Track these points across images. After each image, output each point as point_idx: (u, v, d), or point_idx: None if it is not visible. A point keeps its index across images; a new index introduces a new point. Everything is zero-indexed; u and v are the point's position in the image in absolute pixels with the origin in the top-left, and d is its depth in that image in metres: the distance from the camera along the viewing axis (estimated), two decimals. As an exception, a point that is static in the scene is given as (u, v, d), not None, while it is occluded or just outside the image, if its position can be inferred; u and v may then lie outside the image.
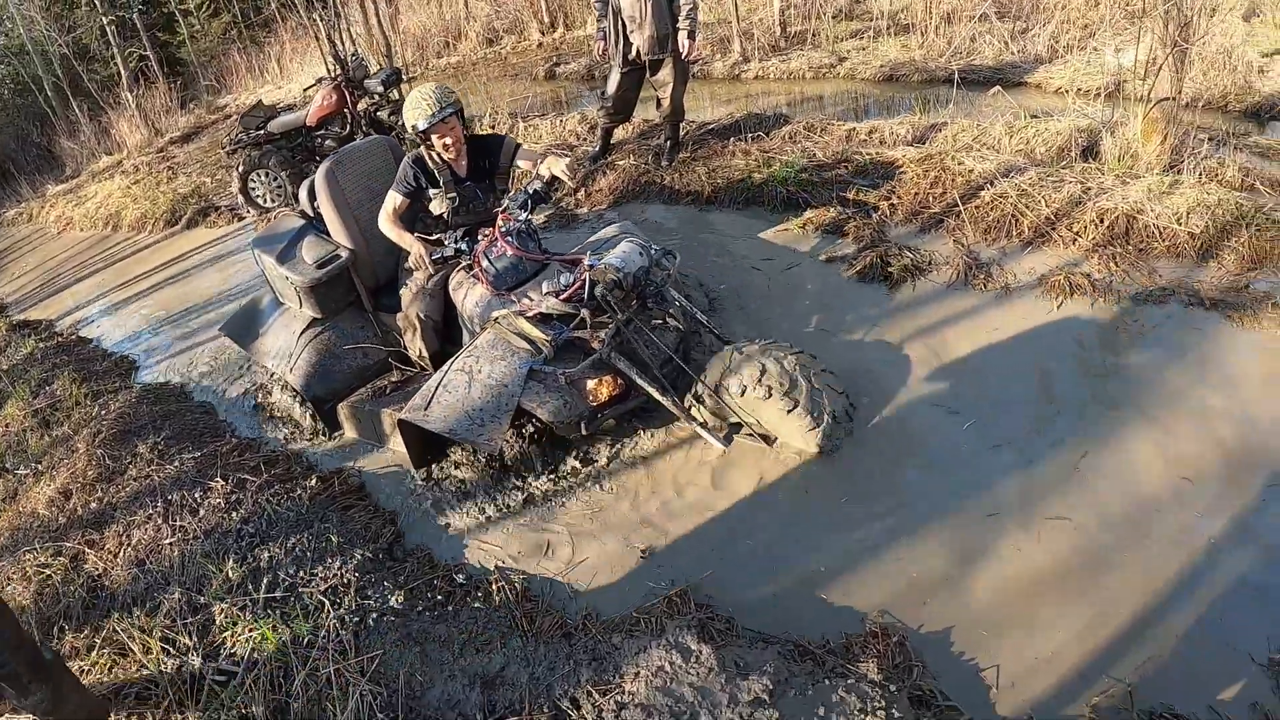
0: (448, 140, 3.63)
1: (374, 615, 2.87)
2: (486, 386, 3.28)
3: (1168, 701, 2.16)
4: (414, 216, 3.88)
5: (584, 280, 3.37)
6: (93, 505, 3.95)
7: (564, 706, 2.41)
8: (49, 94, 15.78)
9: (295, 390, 4.20)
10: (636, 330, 3.35)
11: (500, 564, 3.13)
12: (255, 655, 2.80)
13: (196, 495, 3.71)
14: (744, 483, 3.20)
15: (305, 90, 8.41)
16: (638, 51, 5.46)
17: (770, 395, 3.06)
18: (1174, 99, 4.51)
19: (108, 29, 14.29)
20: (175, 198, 8.77)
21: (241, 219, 7.88)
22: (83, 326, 6.97)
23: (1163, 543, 2.61)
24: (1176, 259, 3.87)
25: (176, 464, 4.04)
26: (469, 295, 3.67)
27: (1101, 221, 4.12)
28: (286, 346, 4.20)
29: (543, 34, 12.13)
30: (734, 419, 3.29)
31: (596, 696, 2.41)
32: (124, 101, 12.94)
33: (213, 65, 16.43)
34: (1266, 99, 5.62)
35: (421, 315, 3.81)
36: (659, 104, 5.83)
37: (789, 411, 3.07)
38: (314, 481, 3.72)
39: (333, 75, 7.40)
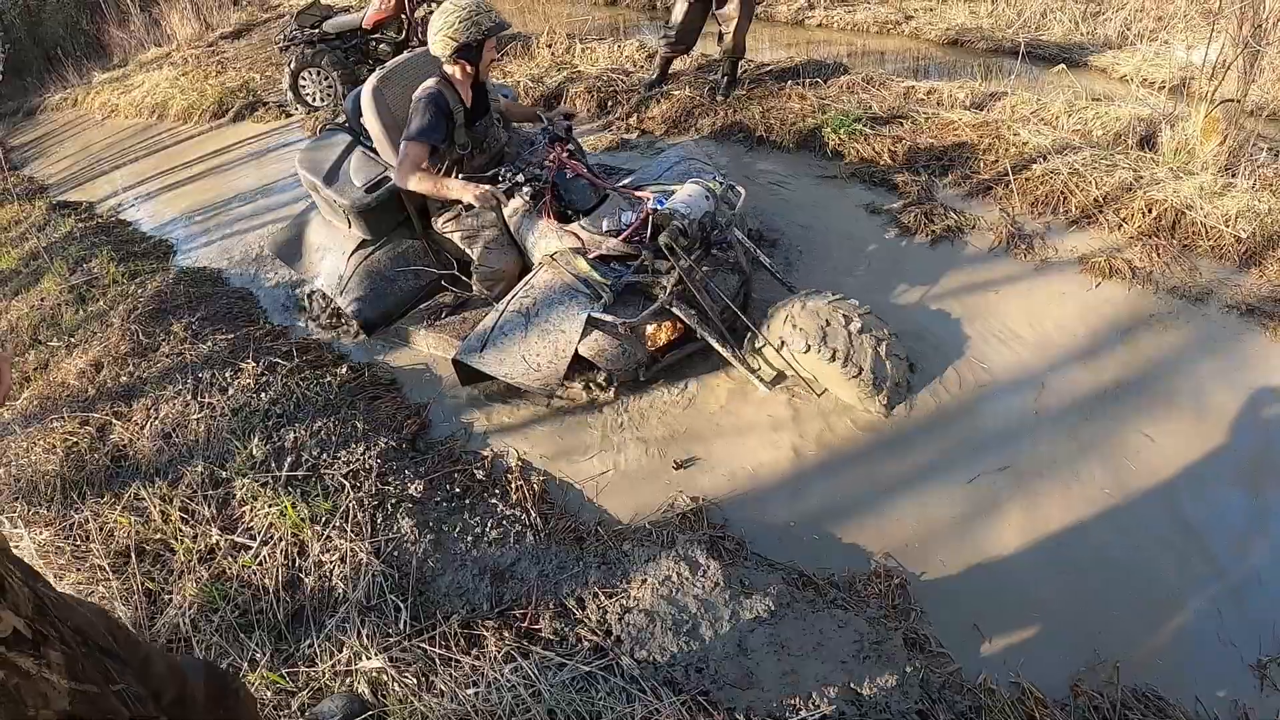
0: (494, 54, 3.46)
1: (392, 501, 2.94)
2: (544, 331, 3.21)
3: (1153, 685, 2.20)
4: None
5: (646, 221, 3.28)
6: (123, 379, 4.04)
7: (569, 604, 2.49)
8: (101, -19, 15.67)
9: (346, 314, 4.09)
10: (699, 278, 3.25)
11: (522, 463, 3.18)
12: (272, 530, 2.88)
13: (226, 375, 3.78)
14: (778, 420, 3.23)
15: (364, -9, 8.35)
16: None
17: (834, 358, 3.01)
18: (1238, 102, 4.42)
19: (163, -82, 14.12)
20: (223, 91, 8.75)
21: (289, 115, 7.87)
22: (123, 210, 7.02)
23: (1170, 533, 2.63)
24: (1219, 260, 3.83)
25: (209, 344, 4.11)
26: (527, 229, 3.56)
27: (1149, 211, 4.07)
28: (336, 268, 4.12)
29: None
30: (790, 371, 3.25)
31: (602, 598, 2.48)
32: (177, -7, 12.87)
33: (269, -37, 16.25)
34: (1334, 118, 5.50)
35: (506, 269, 3.65)
36: (721, 39, 5.75)
37: (853, 376, 3.03)
38: (344, 370, 3.78)
39: (392, -21, 7.34)
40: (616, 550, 2.65)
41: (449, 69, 3.47)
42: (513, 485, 2.99)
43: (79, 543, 3.09)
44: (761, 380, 3.23)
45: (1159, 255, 3.85)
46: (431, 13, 7.26)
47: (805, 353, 3.06)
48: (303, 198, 4.95)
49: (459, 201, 3.53)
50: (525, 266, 3.69)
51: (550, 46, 7.61)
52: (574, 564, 2.63)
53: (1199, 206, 4.01)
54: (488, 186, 3.38)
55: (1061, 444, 2.98)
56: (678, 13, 5.70)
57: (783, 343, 3.13)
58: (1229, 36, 4.39)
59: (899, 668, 2.24)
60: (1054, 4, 7.46)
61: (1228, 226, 3.90)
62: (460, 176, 3.57)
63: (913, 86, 5.89)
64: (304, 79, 7.58)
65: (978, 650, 2.35)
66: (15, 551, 2.64)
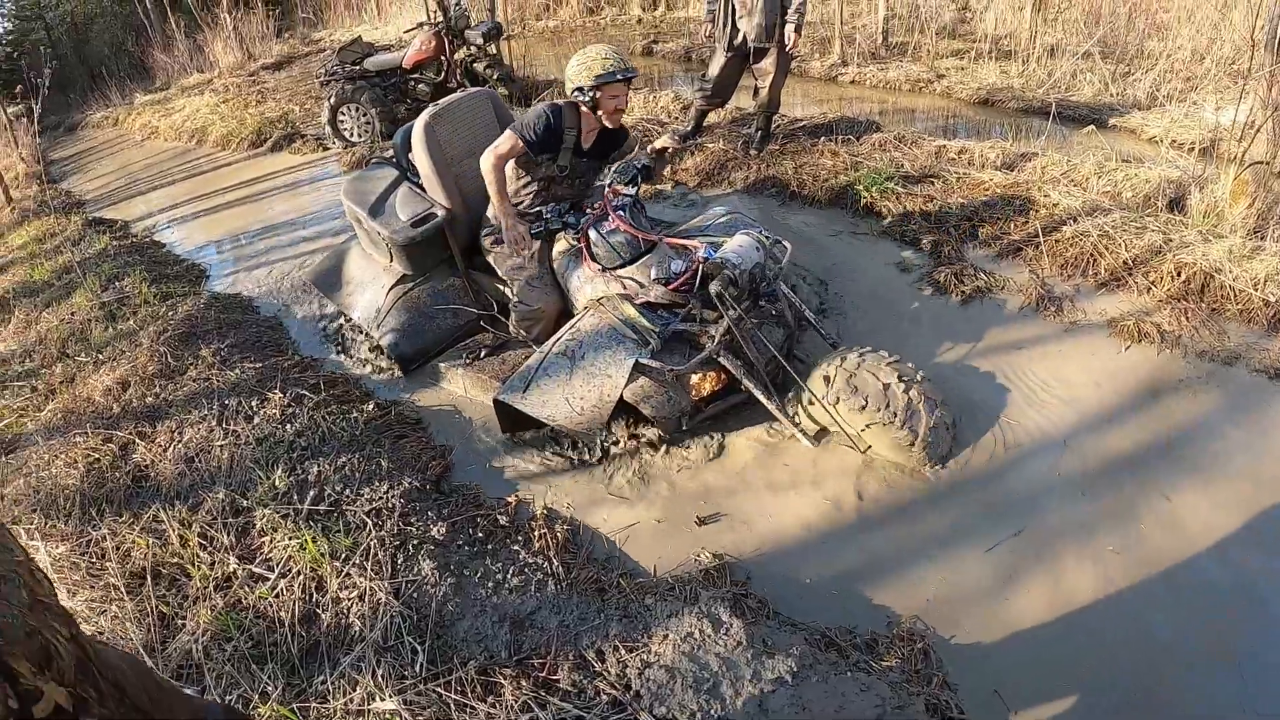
0: (619, 103, 3.49)
1: (414, 542, 2.93)
2: (589, 375, 3.19)
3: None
4: (516, 166, 3.71)
5: (696, 271, 3.26)
6: (149, 399, 4.06)
7: (589, 656, 2.46)
8: (148, 6, 16.07)
9: (383, 349, 4.11)
10: (747, 329, 3.24)
11: (546, 511, 3.16)
12: (291, 563, 2.88)
13: (253, 404, 3.80)
14: (803, 477, 3.21)
15: (405, 32, 8.55)
16: (744, 38, 5.49)
17: (884, 416, 3.01)
18: (1268, 164, 4.42)
19: (213, -51, 14.52)
20: (262, 121, 8.92)
21: (326, 149, 8.01)
22: (157, 231, 7.13)
23: (1200, 601, 2.58)
24: (1248, 324, 3.81)
25: (237, 371, 4.14)
26: (571, 271, 3.58)
27: (1178, 274, 4.06)
28: (375, 301, 4.14)
29: (644, 10, 12.22)
30: (834, 428, 3.20)
31: (623, 652, 2.45)
32: (221, 22, 13.16)
33: (312, -2, 16.64)
34: (1363, 181, 5.48)
35: (547, 310, 3.68)
36: (756, 93, 5.83)
37: (904, 438, 3.03)
38: (371, 407, 3.78)
39: (434, 21, 7.50)
40: (639, 603, 2.62)
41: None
42: (536, 533, 2.98)
43: (95, 560, 3.09)
44: (805, 435, 3.20)
45: (1188, 319, 3.82)
46: (471, 57, 7.50)
47: (860, 410, 3.05)
48: (337, 231, 5.04)
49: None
50: (565, 309, 3.71)
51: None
52: (595, 615, 2.60)
53: (1228, 270, 3.99)
54: (523, 230, 3.50)
55: (1090, 509, 2.94)
56: (714, 66, 5.79)
57: (837, 399, 3.10)
58: (1258, 98, 4.40)
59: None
60: (1084, 65, 7.51)
61: (1257, 290, 3.88)
62: (538, 196, 3.71)
63: (944, 145, 5.93)
64: (343, 114, 7.73)
65: (1002, 719, 2.30)
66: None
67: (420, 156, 3.90)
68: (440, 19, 7.43)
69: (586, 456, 3.43)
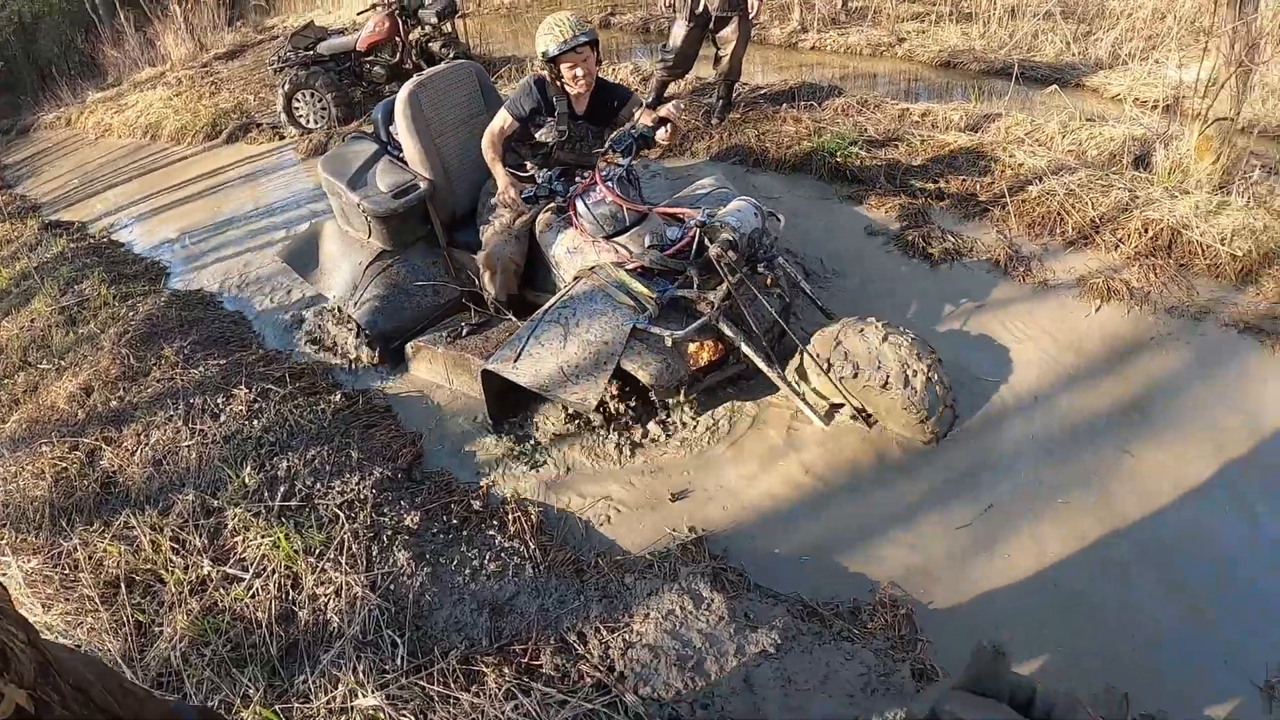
0: (578, 72, 3.49)
1: (388, 533, 2.89)
2: (585, 342, 3.07)
3: (1165, 711, 2.15)
4: (515, 142, 3.74)
5: (693, 236, 3.18)
6: (113, 403, 3.98)
7: (570, 639, 2.44)
8: (96, 1, 15.67)
9: (358, 325, 3.99)
10: (746, 295, 3.16)
11: (519, 494, 3.13)
12: (265, 562, 2.83)
13: (219, 401, 3.73)
14: (775, 449, 3.20)
15: (358, 15, 8.38)
16: (705, 6, 5.40)
17: (887, 384, 2.90)
18: (1232, 120, 4.44)
19: (160, -62, 14.15)
20: (216, 112, 8.73)
21: (282, 137, 7.84)
22: (115, 230, 6.96)
23: (1171, 553, 2.61)
24: (1216, 279, 3.83)
25: (201, 369, 4.06)
26: (559, 239, 3.48)
27: (1146, 231, 4.07)
28: (351, 278, 4.03)
29: (599, -19, 12.03)
30: (836, 397, 3.12)
31: (604, 633, 2.43)
32: (171, 14, 12.82)
33: (264, -16, 16.30)
34: (1328, 135, 5.53)
35: (505, 257, 3.60)
36: (718, 61, 5.76)
37: (905, 402, 2.91)
38: (338, 397, 3.71)
39: (387, 2, 7.36)
40: (618, 583, 2.60)
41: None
42: (510, 516, 2.94)
43: (68, 571, 3.03)
44: (816, 412, 3.12)
45: (1156, 275, 3.84)
46: (426, 37, 7.37)
47: (855, 378, 2.96)
48: (295, 222, 4.93)
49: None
50: (531, 270, 3.67)
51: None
52: (575, 597, 2.58)
53: (1195, 225, 4.01)
54: (516, 190, 3.51)
55: (1063, 469, 2.96)
56: (676, 36, 5.70)
57: (855, 371, 2.97)
58: (1221, 54, 4.40)
59: (907, 700, 2.19)
60: (1045, 25, 7.51)
61: (1224, 245, 3.90)
62: (536, 167, 3.69)
63: (907, 109, 5.91)
64: (298, 101, 7.58)
65: (985, 682, 2.31)
66: (4, 578, 2.59)
67: (403, 127, 3.81)
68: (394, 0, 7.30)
69: (555, 431, 3.38)
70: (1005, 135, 5.28)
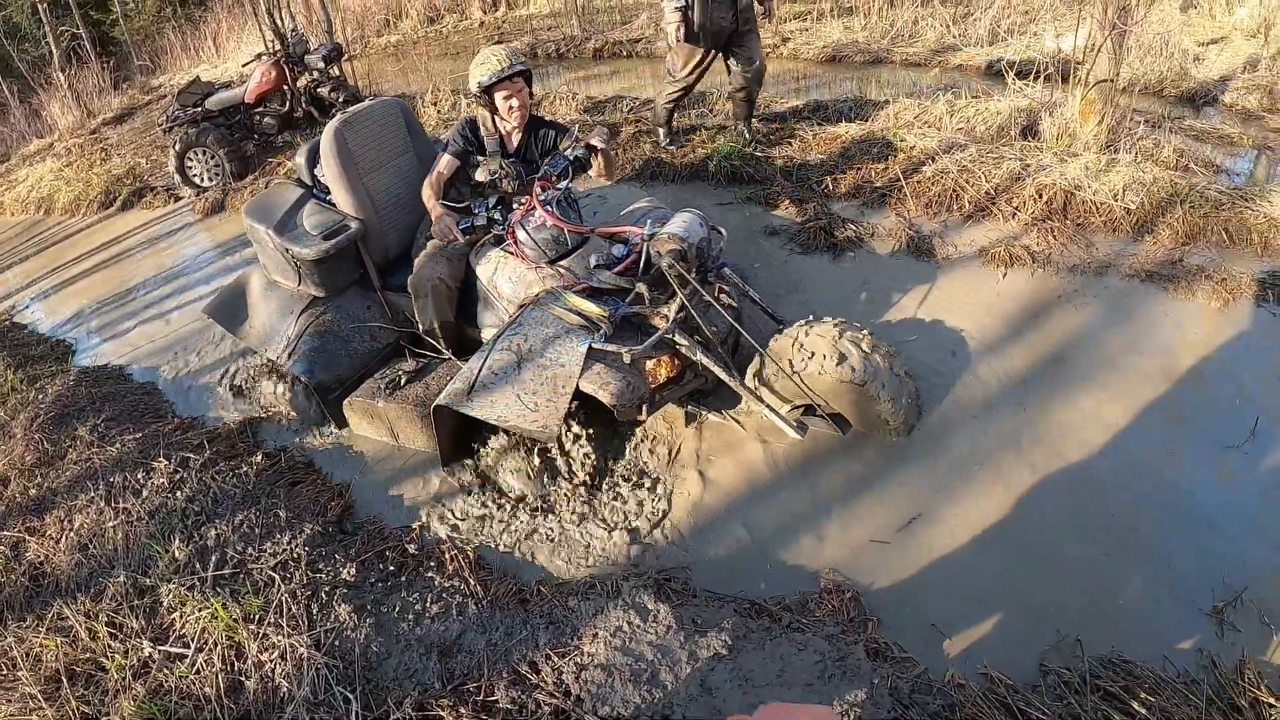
0: (513, 102, 3.45)
1: (326, 589, 2.83)
2: (540, 366, 2.95)
3: (1118, 650, 2.24)
4: (456, 181, 3.68)
5: (641, 250, 3.14)
6: (32, 492, 3.82)
7: (523, 670, 2.42)
8: (-26, 75, 15.13)
9: (294, 377, 3.81)
10: (700, 305, 3.10)
11: (453, 532, 3.10)
12: (205, 635, 2.75)
13: (139, 476, 3.61)
14: (699, 451, 3.23)
15: (244, 66, 8.22)
16: (720, 28, 5.00)
17: (854, 378, 2.89)
18: (1111, 82, 4.63)
19: (39, 6, 13.66)
20: (109, 179, 8.47)
21: (178, 199, 7.64)
22: (16, 313, 6.69)
23: (1105, 497, 2.71)
24: (1113, 234, 3.99)
25: (117, 445, 3.92)
26: (500, 271, 3.38)
27: (1040, 197, 4.23)
28: (282, 329, 3.84)
29: (484, 12, 12.09)
30: (801, 399, 3.07)
31: (555, 659, 2.42)
32: (55, 82, 12.45)
33: (147, 44, 15.87)
34: (1201, 85, 5.86)
35: (434, 277, 3.44)
36: (736, 71, 5.28)
37: (873, 397, 2.92)
38: (260, 458, 3.63)
39: (272, 51, 7.27)
40: (563, 607, 2.59)
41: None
42: (447, 555, 2.91)
43: (5, 671, 2.89)
44: (788, 422, 3.01)
45: (1055, 237, 3.99)
46: (314, 82, 7.26)
47: (820, 375, 2.94)
48: (205, 281, 4.80)
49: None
50: (461, 290, 3.56)
51: (436, 104, 7.58)
52: (521, 628, 2.56)
53: (1087, 185, 4.18)
54: (450, 221, 3.46)
55: (993, 433, 3.04)
56: (684, 63, 5.25)
57: (820, 368, 2.95)
58: (1095, 21, 4.59)
59: (866, 680, 2.23)
60: (924, 11, 7.76)
61: (1116, 200, 4.07)
62: (478, 199, 3.61)
63: (796, 106, 6.02)
64: (190, 159, 7.40)
65: (941, 649, 2.36)
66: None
67: (329, 166, 3.67)
68: (278, 48, 7.21)
69: (484, 462, 3.32)
70: (895, 120, 5.43)
